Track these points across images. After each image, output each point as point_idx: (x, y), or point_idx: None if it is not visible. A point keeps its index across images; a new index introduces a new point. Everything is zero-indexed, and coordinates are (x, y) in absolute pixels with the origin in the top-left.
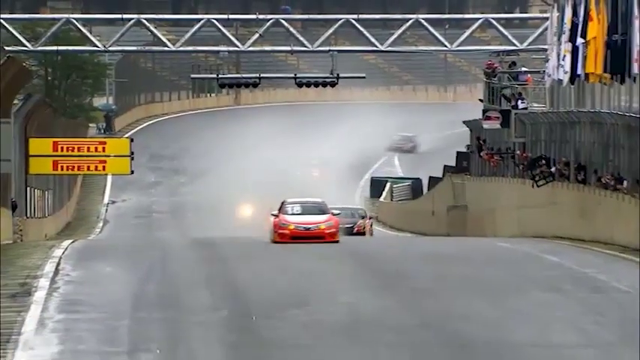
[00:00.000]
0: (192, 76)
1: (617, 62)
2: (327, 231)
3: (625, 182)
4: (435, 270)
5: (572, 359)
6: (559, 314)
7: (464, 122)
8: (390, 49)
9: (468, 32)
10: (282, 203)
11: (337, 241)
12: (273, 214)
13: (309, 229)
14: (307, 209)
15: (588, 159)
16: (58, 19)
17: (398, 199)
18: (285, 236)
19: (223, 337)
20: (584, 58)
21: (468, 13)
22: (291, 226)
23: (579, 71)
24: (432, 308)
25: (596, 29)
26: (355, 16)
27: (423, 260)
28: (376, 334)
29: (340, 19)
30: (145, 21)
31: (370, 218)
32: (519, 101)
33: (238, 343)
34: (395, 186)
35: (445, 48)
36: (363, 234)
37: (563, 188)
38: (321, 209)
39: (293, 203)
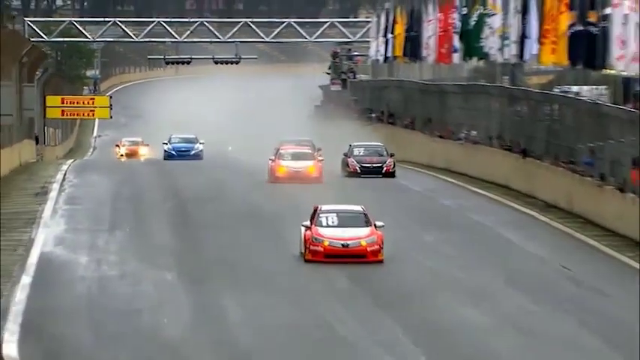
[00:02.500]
0: (149, 57)
1: (413, 49)
2: (370, 249)
3: (414, 122)
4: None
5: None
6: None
7: (319, 86)
8: (272, 40)
9: (320, 30)
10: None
11: (381, 261)
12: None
13: (347, 245)
14: (346, 220)
15: (395, 110)
16: (64, 21)
17: None
18: (317, 254)
19: (169, 219)
20: (393, 46)
21: (323, 18)
22: (326, 242)
23: (389, 55)
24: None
25: (400, 29)
26: (250, 20)
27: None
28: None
29: (241, 22)
30: (118, 22)
31: (392, 155)
32: (353, 73)
33: (179, 223)
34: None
35: (306, 39)
36: (393, 175)
37: (381, 127)
38: (362, 220)
39: (328, 212)
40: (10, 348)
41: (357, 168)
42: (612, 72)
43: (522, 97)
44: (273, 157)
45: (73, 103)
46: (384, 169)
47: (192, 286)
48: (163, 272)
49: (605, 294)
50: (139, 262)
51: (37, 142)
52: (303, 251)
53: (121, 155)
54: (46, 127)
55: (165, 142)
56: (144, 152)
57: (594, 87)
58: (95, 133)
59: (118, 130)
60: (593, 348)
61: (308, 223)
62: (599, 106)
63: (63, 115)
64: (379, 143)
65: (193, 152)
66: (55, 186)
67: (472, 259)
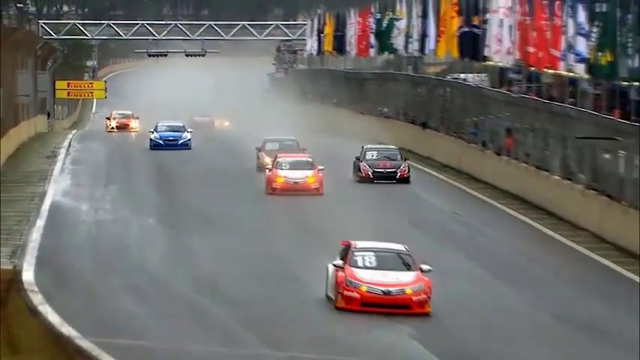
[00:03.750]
0: (136, 50)
1: (339, 45)
2: (416, 298)
3: (341, 101)
4: None
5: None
6: None
7: (267, 74)
8: (230, 38)
9: (267, 30)
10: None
11: (428, 314)
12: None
13: (389, 292)
14: (386, 260)
15: (326, 92)
16: (69, 23)
17: None
18: (352, 302)
19: (152, 177)
20: (324, 43)
21: (270, 21)
22: (363, 288)
23: (321, 49)
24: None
25: (329, 29)
26: (214, 22)
27: None
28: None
29: (206, 24)
30: (111, 24)
31: (406, 159)
32: (294, 64)
33: (160, 179)
34: None
35: (256, 38)
36: (407, 180)
37: (315, 106)
38: (406, 261)
39: (365, 250)
40: (28, 274)
41: (370, 173)
42: (491, 63)
43: (422, 83)
44: (270, 167)
45: (77, 86)
46: (399, 174)
47: (167, 229)
48: (146, 218)
49: (486, 235)
50: (128, 210)
51: (48, 117)
52: (332, 295)
53: (112, 128)
54: (55, 105)
55: (152, 130)
56: (135, 125)
57: (477, 75)
58: (94, 110)
59: (112, 108)
60: (480, 277)
61: (339, 262)
62: (481, 90)
63: (68, 95)
64: (392, 146)
65: (181, 141)
66: (63, 150)
67: (383, 207)
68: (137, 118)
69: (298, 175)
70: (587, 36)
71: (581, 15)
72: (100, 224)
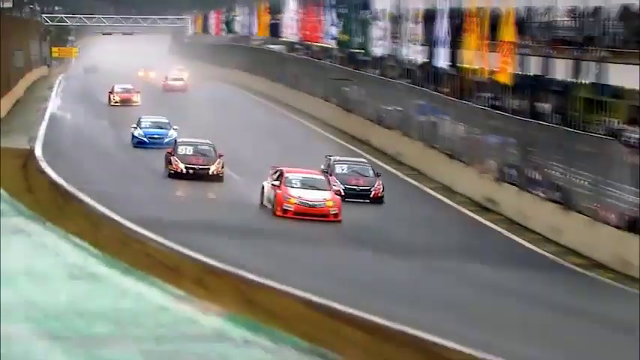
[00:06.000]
0: (96, 31)
1: (205, 28)
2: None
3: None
4: None
5: None
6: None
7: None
8: (149, 25)
9: (168, 20)
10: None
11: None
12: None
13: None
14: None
15: (202, 55)
16: (58, 17)
17: None
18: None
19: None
20: (196, 27)
21: (169, 15)
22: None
23: (195, 31)
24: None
25: (200, 20)
26: (140, 16)
27: None
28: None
29: (134, 17)
30: (83, 17)
31: (379, 175)
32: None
33: (115, 116)
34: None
35: (163, 25)
36: (381, 201)
37: (232, 72)
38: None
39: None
40: (38, 151)
41: (342, 190)
42: (286, 39)
43: (251, 49)
44: (277, 183)
45: (63, 51)
46: (372, 193)
47: (113, 127)
48: (103, 120)
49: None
50: (93, 118)
51: (48, 67)
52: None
53: (115, 102)
54: (53, 60)
55: (134, 125)
56: (137, 99)
57: (281, 46)
58: (72, 63)
59: (78, 64)
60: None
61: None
62: (281, 53)
63: (58, 55)
64: (363, 160)
65: (167, 140)
66: (56, 85)
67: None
68: (138, 92)
69: (315, 196)
70: (336, 26)
71: (333, 15)
72: (77, 125)
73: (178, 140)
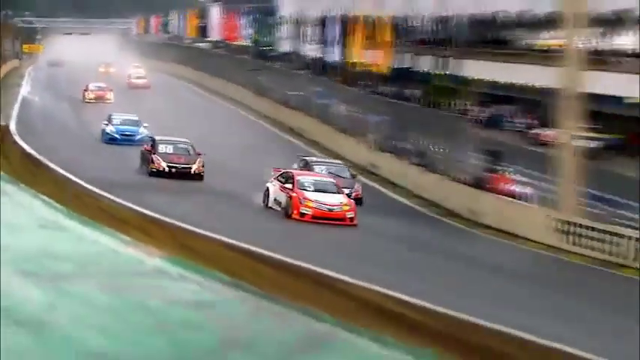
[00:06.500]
0: (64, 33)
1: (146, 29)
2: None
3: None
4: None
5: None
6: None
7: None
8: (103, 26)
9: (119, 22)
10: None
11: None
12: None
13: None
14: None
15: (176, 57)
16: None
17: None
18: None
19: (69, 86)
20: (139, 28)
21: (120, 18)
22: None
23: (138, 31)
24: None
25: (142, 23)
26: (96, 19)
27: None
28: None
29: (92, 20)
30: (46, 20)
31: (355, 176)
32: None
33: (72, 85)
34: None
35: (116, 27)
36: (360, 201)
37: (170, 66)
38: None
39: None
40: (12, 127)
41: None
42: (211, 39)
43: (183, 47)
44: (289, 186)
45: (31, 47)
46: (353, 195)
47: (74, 110)
48: (65, 103)
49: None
50: (55, 100)
51: (19, 60)
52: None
53: (90, 99)
54: (23, 56)
55: (105, 122)
56: (110, 97)
57: (207, 44)
58: (39, 58)
59: (45, 57)
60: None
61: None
62: (206, 50)
63: (28, 51)
64: (338, 161)
65: (139, 137)
66: (27, 75)
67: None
68: (111, 90)
69: (332, 200)
70: (250, 28)
71: (248, 19)
72: (44, 106)
73: (157, 138)
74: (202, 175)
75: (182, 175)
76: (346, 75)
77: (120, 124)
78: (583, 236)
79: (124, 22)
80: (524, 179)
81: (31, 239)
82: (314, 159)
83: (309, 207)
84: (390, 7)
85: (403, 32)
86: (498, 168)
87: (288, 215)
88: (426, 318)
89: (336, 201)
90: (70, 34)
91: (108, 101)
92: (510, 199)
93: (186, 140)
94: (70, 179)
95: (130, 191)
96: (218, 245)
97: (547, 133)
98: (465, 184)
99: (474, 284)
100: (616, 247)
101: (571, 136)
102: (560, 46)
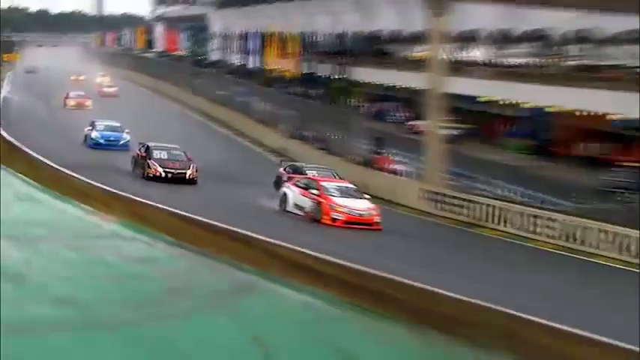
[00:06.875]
0: (37, 45)
1: (102, 42)
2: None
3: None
4: None
5: None
6: None
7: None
8: (70, 41)
9: (81, 37)
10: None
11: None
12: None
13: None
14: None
15: (130, 64)
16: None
17: None
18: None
19: (45, 88)
20: (97, 42)
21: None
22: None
23: (97, 45)
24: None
25: (100, 38)
26: (68, 34)
27: None
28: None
29: (68, 35)
30: (18, 36)
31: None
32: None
33: (48, 86)
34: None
35: (80, 41)
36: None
37: (125, 72)
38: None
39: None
40: None
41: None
42: (157, 50)
43: (133, 56)
44: (316, 192)
45: (10, 57)
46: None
47: (50, 108)
48: (39, 101)
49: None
50: (34, 99)
51: None
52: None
53: (71, 106)
54: (2, 63)
55: (89, 127)
56: (89, 104)
57: (153, 54)
58: (17, 66)
59: (22, 65)
60: (232, 174)
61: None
62: (154, 59)
63: (7, 60)
64: (328, 167)
65: (122, 142)
66: (6, 78)
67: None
68: (89, 98)
69: (361, 205)
70: (187, 41)
71: (184, 35)
72: (22, 103)
73: (151, 145)
74: (196, 180)
75: (177, 179)
76: (264, 78)
77: (104, 130)
78: (447, 203)
79: (84, 36)
80: (402, 160)
81: (10, 209)
82: (304, 164)
83: (341, 212)
84: (297, 25)
85: (309, 45)
86: (382, 151)
87: (316, 220)
88: (324, 267)
89: (364, 206)
90: (42, 45)
91: (87, 108)
92: (392, 175)
93: (178, 147)
94: (44, 161)
95: (94, 172)
96: (163, 213)
97: (419, 124)
98: (357, 163)
99: (364, 240)
100: (472, 211)
101: (436, 126)
102: (427, 57)
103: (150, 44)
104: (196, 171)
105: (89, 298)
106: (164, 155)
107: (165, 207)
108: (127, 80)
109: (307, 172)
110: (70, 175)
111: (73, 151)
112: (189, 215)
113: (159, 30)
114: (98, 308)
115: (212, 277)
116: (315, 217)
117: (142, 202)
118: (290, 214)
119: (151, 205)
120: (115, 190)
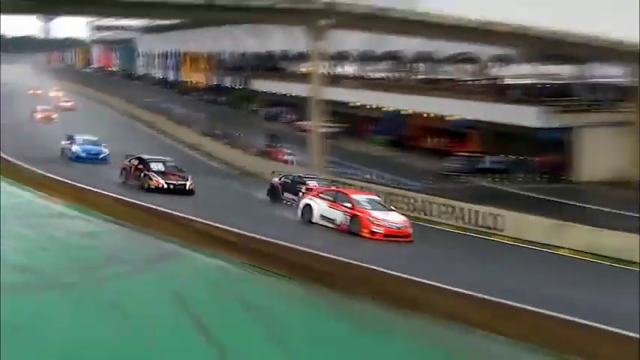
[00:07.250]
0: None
1: (64, 60)
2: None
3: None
4: None
5: None
6: None
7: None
8: (21, 58)
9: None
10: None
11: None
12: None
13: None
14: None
15: (85, 80)
16: None
17: None
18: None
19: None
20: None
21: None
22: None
23: (70, 62)
24: None
25: (83, 59)
26: (20, 53)
27: None
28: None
29: (19, 54)
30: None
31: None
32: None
33: (29, 101)
34: None
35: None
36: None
37: (83, 88)
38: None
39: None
40: None
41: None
42: (94, 66)
43: (90, 73)
44: (349, 205)
45: None
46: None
47: (14, 112)
48: (20, 111)
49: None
50: (15, 109)
51: None
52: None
53: (40, 118)
54: None
55: (67, 141)
56: (55, 117)
57: (92, 69)
58: None
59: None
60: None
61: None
62: (92, 73)
63: None
64: (324, 177)
65: (102, 156)
66: None
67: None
68: (55, 112)
69: (396, 219)
70: (118, 59)
71: (117, 53)
72: (4, 112)
73: (146, 158)
74: (194, 191)
75: (178, 191)
76: (181, 88)
77: (84, 144)
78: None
79: (35, 56)
80: (291, 152)
81: None
82: (302, 174)
83: (381, 226)
84: (207, 47)
85: (217, 62)
86: (276, 145)
87: (352, 232)
88: (231, 236)
89: (400, 219)
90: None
91: (54, 120)
92: (283, 163)
93: (171, 159)
94: (5, 158)
95: (49, 164)
96: (102, 197)
97: (305, 123)
98: (256, 155)
99: (253, 212)
100: None
101: (318, 125)
102: (310, 71)
103: (88, 61)
104: (192, 183)
105: (42, 265)
106: (161, 167)
107: (106, 192)
108: (68, 90)
109: (308, 182)
110: (28, 169)
111: (57, 163)
112: (120, 197)
113: (96, 50)
114: (50, 273)
115: (142, 246)
116: (351, 230)
117: (84, 187)
118: (317, 225)
119: (91, 190)
120: (62, 179)
